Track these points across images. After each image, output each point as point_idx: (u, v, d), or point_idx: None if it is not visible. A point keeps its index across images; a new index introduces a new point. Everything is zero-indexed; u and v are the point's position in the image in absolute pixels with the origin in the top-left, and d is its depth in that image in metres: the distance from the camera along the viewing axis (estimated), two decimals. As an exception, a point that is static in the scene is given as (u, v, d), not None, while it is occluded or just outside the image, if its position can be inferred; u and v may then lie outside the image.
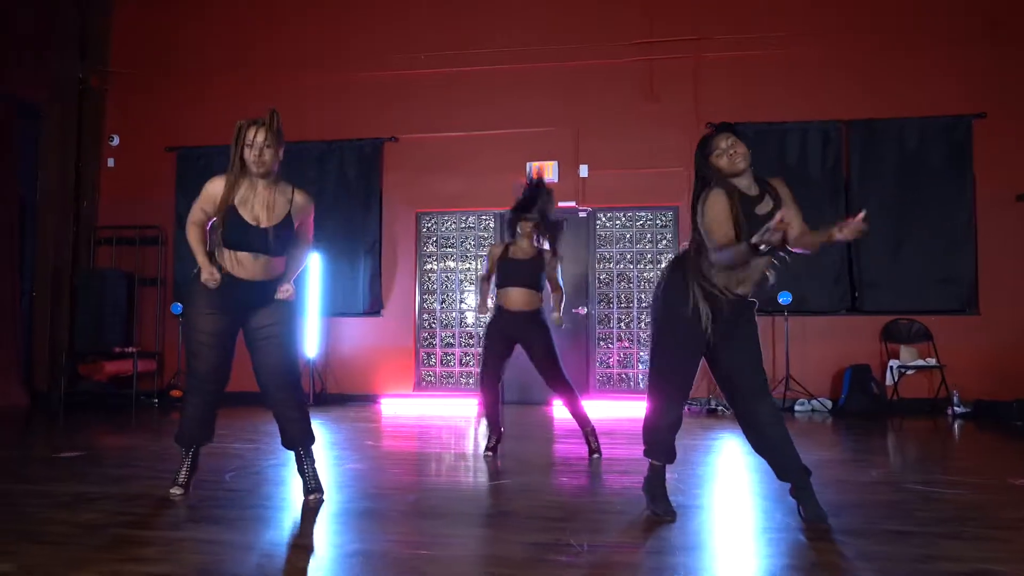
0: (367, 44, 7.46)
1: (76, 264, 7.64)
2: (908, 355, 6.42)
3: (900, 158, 6.60)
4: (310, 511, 2.90)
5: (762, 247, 2.43)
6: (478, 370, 4.41)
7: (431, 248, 7.41)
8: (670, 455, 2.85)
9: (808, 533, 2.59)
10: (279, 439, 3.15)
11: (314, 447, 3.15)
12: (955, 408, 6.18)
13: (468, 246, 7.36)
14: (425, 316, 7.38)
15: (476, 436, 4.67)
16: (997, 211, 6.48)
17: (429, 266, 7.40)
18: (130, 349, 7.30)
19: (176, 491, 3.08)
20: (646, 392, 2.90)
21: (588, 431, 4.21)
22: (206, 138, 7.64)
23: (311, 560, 2.35)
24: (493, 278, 4.31)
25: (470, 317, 7.32)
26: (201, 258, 2.99)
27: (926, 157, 6.58)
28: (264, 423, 5.51)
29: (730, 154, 2.65)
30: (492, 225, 7.30)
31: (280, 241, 2.97)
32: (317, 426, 3.28)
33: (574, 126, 7.09)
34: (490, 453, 4.23)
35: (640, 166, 6.99)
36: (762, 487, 3.34)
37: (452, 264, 7.38)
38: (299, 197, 3.07)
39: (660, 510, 2.78)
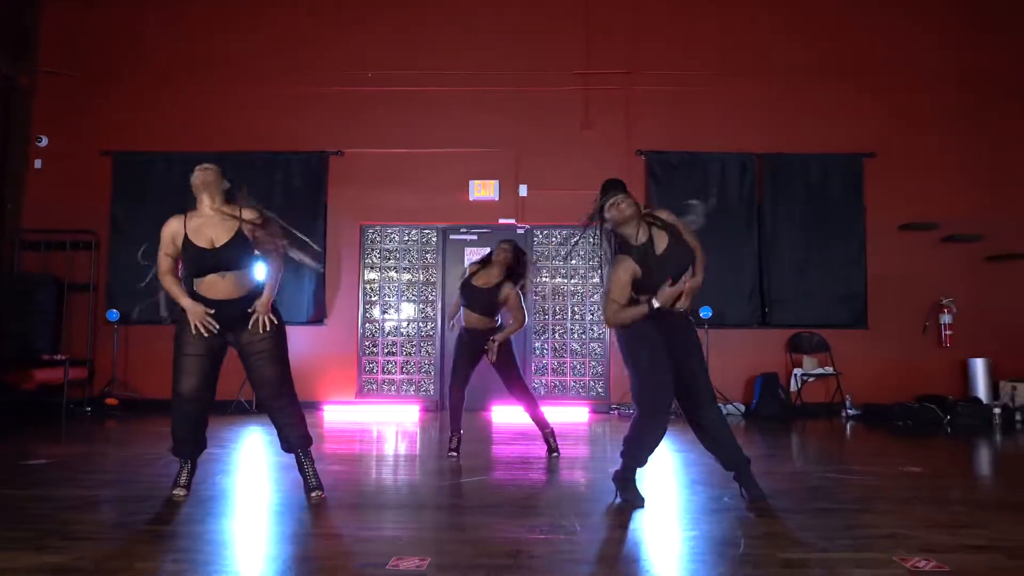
0: (315, 58, 7.64)
1: (0, 268, 7.39)
2: (810, 364, 7.22)
3: (805, 189, 7.43)
4: (315, 505, 3.16)
5: (657, 307, 2.99)
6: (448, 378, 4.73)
7: (374, 259, 7.65)
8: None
9: (754, 511, 3.10)
10: (278, 444, 3.39)
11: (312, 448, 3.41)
12: (848, 411, 7.01)
13: (411, 258, 7.65)
14: (368, 325, 7.61)
15: (437, 439, 4.96)
16: (883, 238, 7.40)
17: (372, 276, 7.64)
18: (60, 356, 7.12)
19: (179, 492, 3.26)
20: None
21: (547, 433, 4.64)
22: (145, 143, 7.59)
23: (342, 545, 2.65)
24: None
25: (411, 326, 7.60)
26: (185, 301, 3.21)
27: (827, 189, 7.44)
28: (231, 427, 5.62)
29: (618, 205, 3.14)
30: (434, 239, 7.63)
31: (235, 256, 3.21)
32: (262, 433, 3.51)
33: (515, 147, 7.53)
34: (454, 454, 4.57)
35: (576, 187, 7.47)
36: (708, 477, 3.86)
37: (394, 275, 7.64)
38: (247, 213, 3.30)
39: (631, 497, 3.22)
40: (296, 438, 3.35)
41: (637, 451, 3.22)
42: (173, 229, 3.21)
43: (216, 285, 3.18)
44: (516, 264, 4.58)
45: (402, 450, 5.13)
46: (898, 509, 3.20)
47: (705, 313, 7.00)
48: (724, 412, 7.07)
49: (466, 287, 4.60)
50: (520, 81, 7.56)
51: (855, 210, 7.42)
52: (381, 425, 6.33)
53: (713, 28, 7.66)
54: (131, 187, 7.57)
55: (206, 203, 3.25)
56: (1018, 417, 6.74)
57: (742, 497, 3.26)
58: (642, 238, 3.15)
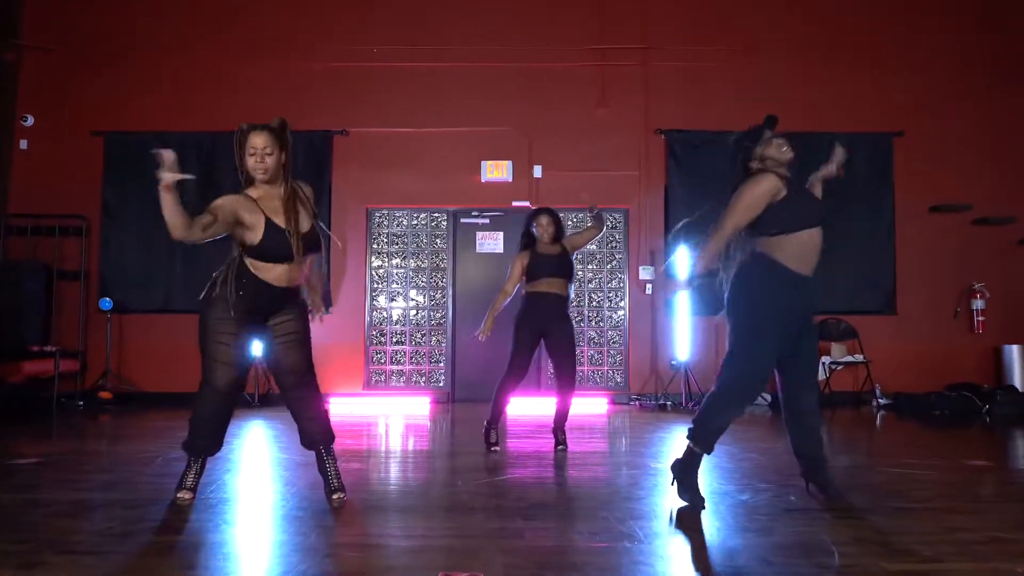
0: (317, 33, 7.26)
1: (-17, 255, 7.00)
2: (838, 352, 6.92)
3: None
4: (337, 508, 2.83)
5: None
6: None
7: (382, 244, 7.30)
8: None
9: (830, 512, 2.78)
10: (299, 439, 3.05)
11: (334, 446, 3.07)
12: (878, 400, 6.73)
13: (420, 243, 7.30)
14: (375, 313, 7.26)
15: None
16: (913, 221, 7.11)
17: (379, 262, 7.29)
18: (50, 348, 6.75)
19: (185, 495, 2.92)
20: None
21: (562, 426, 4.31)
22: (139, 123, 7.20)
23: (372, 553, 2.32)
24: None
25: (421, 314, 7.26)
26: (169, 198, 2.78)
27: (853, 169, 7.10)
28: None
29: (780, 147, 3.00)
30: (444, 223, 7.28)
31: (310, 246, 2.92)
32: (265, 428, 3.18)
33: (529, 127, 7.18)
34: (496, 448, 4.25)
35: (592, 168, 7.17)
36: (761, 473, 3.54)
37: (402, 261, 7.29)
38: (307, 190, 3.02)
39: (690, 499, 2.87)
40: (319, 433, 3.00)
41: (706, 433, 2.88)
42: (235, 205, 2.90)
43: (277, 270, 2.88)
44: (560, 230, 4.35)
45: (418, 446, 4.79)
46: (985, 509, 2.90)
47: (730, 299, 6.67)
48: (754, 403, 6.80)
49: (538, 257, 4.25)
50: (533, 57, 7.21)
51: (884, 191, 7.11)
52: (391, 418, 5.99)
53: (735, 2, 7.32)
54: (124, 169, 7.18)
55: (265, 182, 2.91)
56: (1057, 406, 6.46)
57: (808, 494, 2.95)
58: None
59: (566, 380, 4.24)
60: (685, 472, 2.91)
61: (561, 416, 4.32)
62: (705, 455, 2.93)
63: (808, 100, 7.18)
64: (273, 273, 2.87)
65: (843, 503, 2.87)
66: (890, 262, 7.10)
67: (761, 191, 2.88)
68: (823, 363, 6.89)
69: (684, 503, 2.86)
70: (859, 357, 6.87)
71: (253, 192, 2.90)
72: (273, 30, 7.28)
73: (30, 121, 7.29)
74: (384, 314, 7.25)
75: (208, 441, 2.96)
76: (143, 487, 3.20)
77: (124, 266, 7.12)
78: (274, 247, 2.83)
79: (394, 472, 3.83)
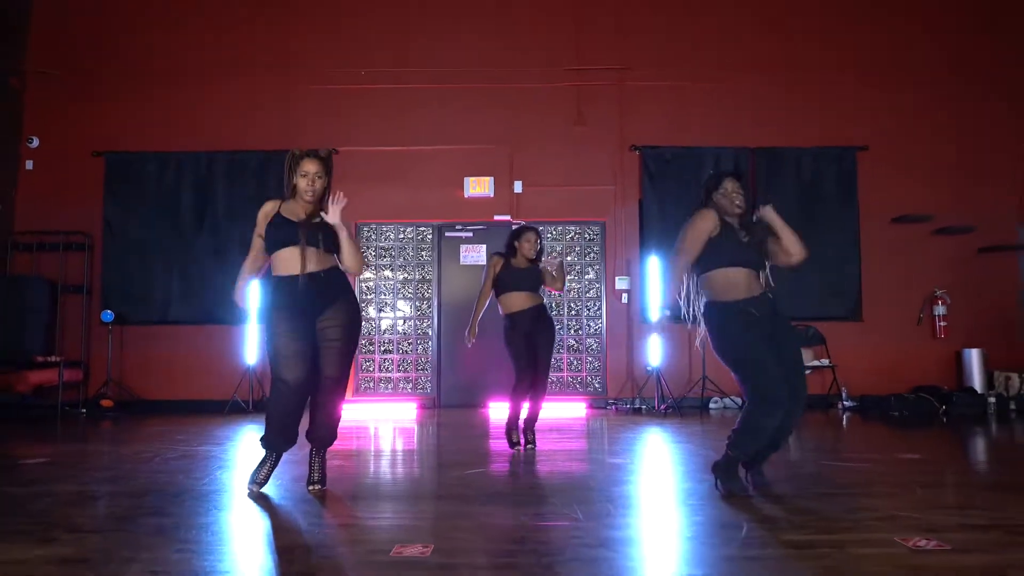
0: (308, 57, 7.64)
1: (-9, 270, 7.35)
2: (806, 356, 7.25)
3: (799, 182, 7.47)
4: (317, 497, 3.16)
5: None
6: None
7: (370, 257, 7.64)
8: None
9: (756, 497, 3.11)
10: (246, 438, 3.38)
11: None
12: (844, 402, 7.05)
13: (407, 256, 7.65)
14: (364, 324, 7.58)
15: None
16: (876, 231, 7.45)
17: (367, 275, 7.63)
18: (54, 358, 7.09)
19: (253, 488, 3.22)
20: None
21: (532, 425, 4.63)
22: (137, 144, 7.57)
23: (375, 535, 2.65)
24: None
25: (407, 324, 7.60)
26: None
27: (820, 182, 7.48)
28: (227, 426, 5.61)
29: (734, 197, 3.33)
30: (430, 236, 7.63)
31: (324, 240, 3.19)
32: (257, 432, 3.42)
33: (510, 144, 7.54)
34: (531, 446, 4.58)
35: (570, 183, 7.53)
36: (707, 467, 3.87)
37: (390, 273, 7.64)
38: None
39: (733, 487, 3.15)
40: (324, 436, 3.31)
41: (742, 441, 3.16)
42: (269, 209, 3.30)
43: (309, 256, 3.18)
44: (542, 250, 4.68)
45: (400, 446, 5.12)
46: (897, 493, 3.23)
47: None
48: (721, 406, 7.13)
49: (508, 271, 4.54)
50: (513, 78, 7.58)
51: (849, 203, 7.47)
52: (379, 422, 6.32)
53: (705, 23, 7.71)
54: (123, 188, 7.54)
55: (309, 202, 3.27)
56: (1012, 406, 6.79)
57: (745, 482, 3.28)
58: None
59: (540, 383, 4.54)
60: (725, 471, 3.19)
61: (532, 417, 4.63)
62: (742, 458, 3.21)
63: (777, 115, 7.55)
64: (285, 263, 3.15)
65: (772, 490, 3.20)
66: (856, 271, 7.44)
67: (700, 227, 3.21)
68: (791, 367, 7.21)
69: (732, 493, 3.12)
70: (826, 362, 7.20)
71: (285, 204, 3.24)
72: (265, 54, 7.66)
73: (35, 143, 7.66)
74: (373, 324, 7.59)
75: (279, 437, 3.21)
76: (141, 481, 3.53)
77: (124, 280, 7.46)
78: (280, 235, 3.15)
79: (373, 468, 4.16)
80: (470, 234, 7.57)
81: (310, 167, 3.19)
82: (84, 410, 7.06)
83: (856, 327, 7.40)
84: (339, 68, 7.58)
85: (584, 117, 7.60)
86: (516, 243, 4.58)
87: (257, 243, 3.28)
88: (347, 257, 3.27)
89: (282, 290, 3.18)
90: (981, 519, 2.72)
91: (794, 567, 2.18)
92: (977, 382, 7.10)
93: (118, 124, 7.61)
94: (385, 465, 4.30)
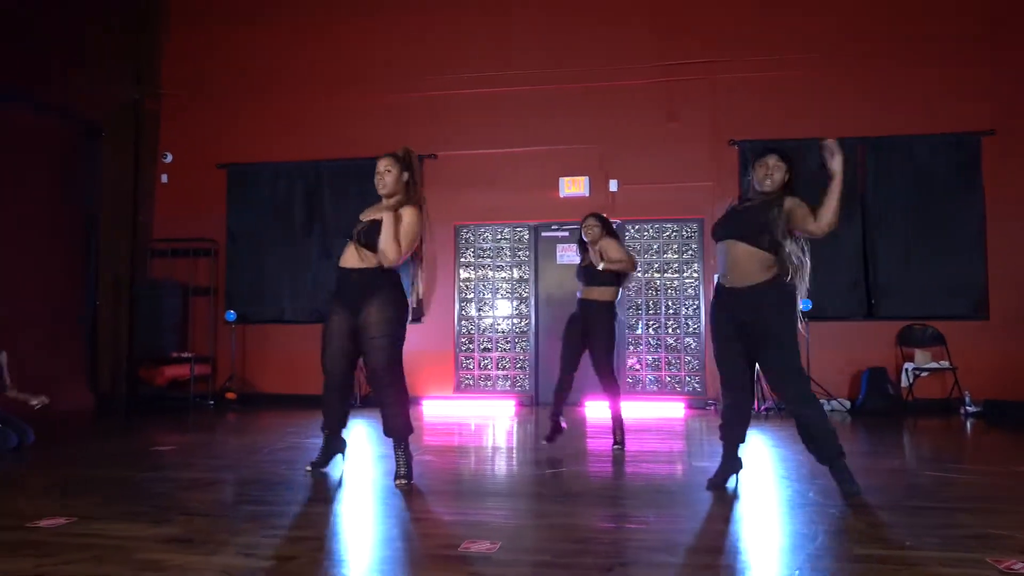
0: (407, 67, 7.94)
1: (134, 275, 8.13)
2: (922, 358, 6.81)
3: (913, 172, 7.01)
4: (402, 491, 3.33)
5: None
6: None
7: (469, 258, 7.86)
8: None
9: (844, 507, 3.01)
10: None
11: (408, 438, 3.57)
12: (967, 407, 6.56)
13: (504, 256, 7.81)
14: (463, 323, 7.83)
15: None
16: (1004, 222, 6.87)
17: (467, 275, 7.85)
18: (186, 355, 7.77)
19: (308, 467, 3.67)
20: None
21: (617, 425, 4.65)
22: (255, 155, 8.14)
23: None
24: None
25: (506, 323, 7.75)
26: None
27: (937, 171, 6.98)
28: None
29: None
30: (527, 237, 7.75)
31: (361, 233, 3.48)
32: (364, 425, 3.64)
33: (604, 143, 7.53)
34: (547, 442, 4.71)
35: (666, 180, 7.43)
36: (796, 472, 3.75)
37: (489, 273, 7.82)
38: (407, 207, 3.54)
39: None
40: (392, 425, 3.49)
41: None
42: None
43: (345, 254, 3.53)
44: (608, 229, 4.80)
45: (493, 443, 5.26)
46: (1003, 509, 3.01)
47: (805, 305, 6.73)
48: (829, 409, 6.84)
49: (579, 270, 4.82)
50: (605, 77, 7.56)
51: (971, 193, 6.93)
52: (477, 419, 6.51)
53: (802, 8, 7.36)
54: (243, 197, 8.14)
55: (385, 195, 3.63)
56: None
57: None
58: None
59: (601, 383, 4.62)
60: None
61: (614, 417, 4.65)
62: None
63: (886, 103, 7.10)
64: (343, 257, 3.50)
65: (863, 499, 3.08)
66: (980, 266, 6.90)
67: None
68: (906, 369, 6.81)
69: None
70: (945, 363, 6.73)
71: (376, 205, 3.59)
72: (369, 67, 8.02)
73: (169, 158, 8.40)
74: (472, 323, 7.81)
75: (326, 420, 3.64)
76: (250, 470, 3.85)
77: (245, 282, 8.06)
78: (349, 230, 3.52)
79: (464, 464, 4.31)
80: (566, 233, 7.63)
81: (379, 165, 3.54)
82: (212, 402, 7.69)
83: (981, 326, 6.86)
84: (433, 75, 7.84)
85: (678, 113, 7.47)
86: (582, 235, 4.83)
87: None
88: (381, 241, 3.42)
89: (336, 281, 3.50)
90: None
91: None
92: None
93: (238, 138, 8.22)
94: (473, 462, 4.45)
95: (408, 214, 3.47)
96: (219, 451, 4.65)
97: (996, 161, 6.92)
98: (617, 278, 4.70)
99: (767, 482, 3.61)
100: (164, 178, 8.40)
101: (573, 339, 4.67)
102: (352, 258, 3.46)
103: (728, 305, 3.23)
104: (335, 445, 3.71)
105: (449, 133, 7.81)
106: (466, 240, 7.88)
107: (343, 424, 3.67)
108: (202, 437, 5.47)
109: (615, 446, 4.60)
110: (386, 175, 3.46)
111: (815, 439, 3.19)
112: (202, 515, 2.90)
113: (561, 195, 7.59)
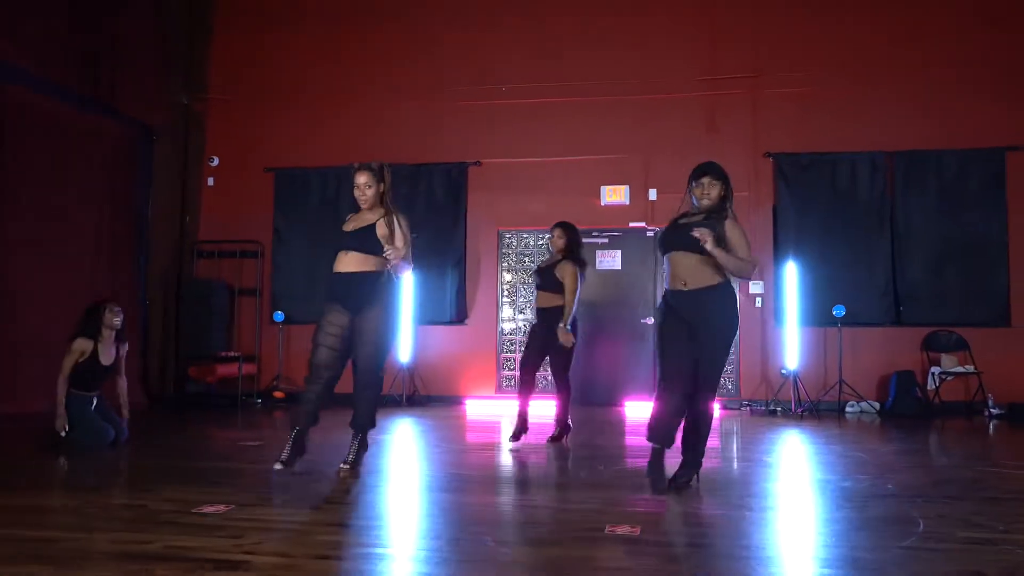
0: (454, 76, 8.20)
1: (180, 276, 8.33)
2: (948, 362, 7.15)
3: (940, 185, 7.36)
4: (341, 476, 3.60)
5: None
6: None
7: (511, 262, 8.13)
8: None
9: (924, 497, 3.30)
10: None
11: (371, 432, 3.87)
12: (991, 410, 6.91)
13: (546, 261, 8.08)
14: (504, 324, 8.10)
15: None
16: (1027, 234, 7.23)
17: (509, 278, 8.12)
18: (234, 353, 7.99)
19: (277, 465, 3.63)
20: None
21: (563, 426, 4.99)
22: (302, 160, 8.37)
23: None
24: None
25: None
26: None
27: (964, 185, 7.34)
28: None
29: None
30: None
31: (357, 241, 3.67)
32: (411, 423, 3.86)
33: (644, 153, 7.83)
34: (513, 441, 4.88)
35: (703, 190, 7.72)
36: (861, 468, 4.06)
37: (530, 278, 8.09)
38: (403, 219, 3.71)
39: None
40: (363, 422, 3.77)
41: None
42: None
43: (342, 258, 3.72)
44: (572, 243, 4.94)
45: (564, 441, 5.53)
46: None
47: (838, 311, 7.08)
48: (858, 410, 7.14)
49: (537, 270, 5.13)
50: (647, 89, 7.86)
51: (996, 205, 7.28)
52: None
53: (838, 26, 7.69)
54: (290, 200, 8.37)
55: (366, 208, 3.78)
56: None
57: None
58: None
59: (555, 378, 4.96)
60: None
61: (561, 414, 4.97)
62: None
63: (915, 118, 7.44)
64: (339, 264, 3.70)
65: (933, 492, 3.38)
66: (1003, 273, 7.25)
67: None
68: (932, 373, 7.15)
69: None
70: (970, 368, 7.07)
71: (354, 216, 3.77)
72: (414, 74, 8.28)
73: (216, 161, 8.62)
74: (514, 325, 8.08)
75: (304, 418, 3.74)
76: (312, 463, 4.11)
77: (290, 283, 8.28)
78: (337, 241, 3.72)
79: (541, 460, 4.58)
80: (606, 240, 7.91)
81: (359, 179, 3.69)
82: (259, 400, 7.91)
83: (1005, 332, 7.21)
84: (482, 85, 8.10)
85: (717, 125, 7.78)
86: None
87: None
88: (399, 240, 3.65)
89: (333, 285, 3.71)
90: None
91: (979, 560, 2.39)
92: None
93: (285, 142, 8.44)
94: (551, 457, 4.71)
95: (404, 222, 3.72)
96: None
97: (1020, 175, 7.27)
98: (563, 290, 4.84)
99: (845, 476, 3.90)
100: (211, 181, 8.62)
101: (534, 343, 4.97)
102: (352, 263, 3.66)
103: (676, 307, 3.41)
104: (304, 444, 3.73)
105: (493, 141, 8.07)
106: (508, 245, 8.14)
107: (316, 423, 3.75)
108: (278, 433, 5.68)
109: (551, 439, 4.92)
110: (367, 189, 3.69)
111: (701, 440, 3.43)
112: (342, 504, 3.16)
113: (602, 203, 7.88)
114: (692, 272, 3.38)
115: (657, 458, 3.40)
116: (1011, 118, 7.33)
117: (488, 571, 2.28)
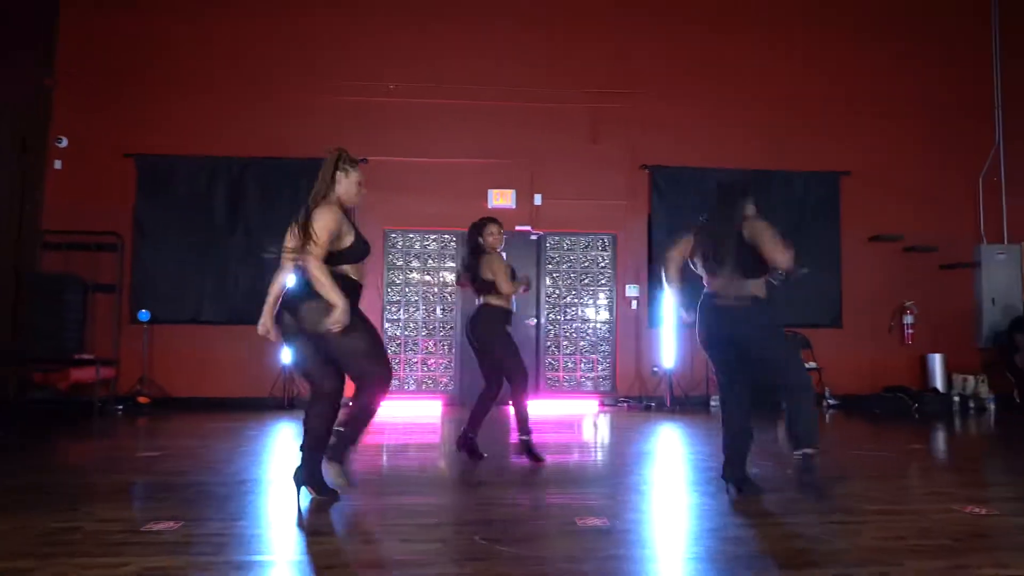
0: (338, 68, 7.99)
1: (19, 267, 7.42)
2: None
3: (788, 202, 8.28)
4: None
5: None
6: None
7: (397, 262, 8.06)
8: None
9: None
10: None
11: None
12: (828, 401, 7.90)
13: (430, 262, 8.10)
14: (387, 325, 8.01)
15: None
16: (856, 248, 8.33)
17: (394, 278, 8.05)
18: (89, 356, 7.25)
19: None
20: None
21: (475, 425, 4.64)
22: (169, 147, 7.77)
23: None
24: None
25: (431, 326, 8.05)
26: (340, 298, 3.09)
27: (808, 203, 8.32)
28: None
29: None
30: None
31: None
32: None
33: (531, 159, 8.09)
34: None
35: (585, 197, 8.14)
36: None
37: (416, 277, 8.08)
38: None
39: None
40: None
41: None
42: (337, 222, 3.26)
43: (362, 269, 3.40)
44: (476, 238, 4.59)
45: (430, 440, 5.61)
46: (928, 474, 3.95)
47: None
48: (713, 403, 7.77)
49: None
50: (535, 98, 8.13)
51: (832, 222, 8.32)
52: (402, 418, 6.77)
53: (708, 53, 8.41)
54: (155, 190, 7.75)
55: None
56: (971, 405, 7.77)
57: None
58: None
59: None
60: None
61: (480, 414, 4.59)
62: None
63: (772, 141, 8.32)
64: (357, 272, 3.31)
65: (825, 475, 3.87)
66: (836, 283, 8.30)
67: None
68: (783, 369, 8.02)
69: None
70: (813, 364, 8.03)
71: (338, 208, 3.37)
72: (297, 65, 7.97)
73: (64, 142, 7.75)
74: (398, 325, 8.02)
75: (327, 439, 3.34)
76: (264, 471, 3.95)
77: (156, 280, 7.66)
78: (361, 250, 3.34)
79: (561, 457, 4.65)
80: (493, 243, 8.07)
81: (358, 176, 3.45)
82: (120, 407, 7.24)
83: (837, 333, 8.26)
84: (366, 81, 7.97)
85: (599, 137, 8.22)
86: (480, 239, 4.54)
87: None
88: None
89: (354, 295, 3.26)
90: (1011, 492, 3.45)
91: (891, 527, 2.82)
92: (939, 383, 8.06)
93: (148, 126, 7.79)
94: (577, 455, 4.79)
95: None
96: (211, 456, 4.59)
97: (851, 197, 8.36)
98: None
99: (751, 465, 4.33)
100: (57, 164, 7.75)
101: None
102: (359, 271, 3.35)
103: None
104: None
105: (381, 139, 7.96)
106: (394, 244, 8.07)
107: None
108: (179, 442, 5.26)
109: (470, 435, 4.60)
110: (362, 190, 3.47)
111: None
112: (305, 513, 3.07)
113: (489, 206, 8.03)
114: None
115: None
116: (847, 146, 8.41)
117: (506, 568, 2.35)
